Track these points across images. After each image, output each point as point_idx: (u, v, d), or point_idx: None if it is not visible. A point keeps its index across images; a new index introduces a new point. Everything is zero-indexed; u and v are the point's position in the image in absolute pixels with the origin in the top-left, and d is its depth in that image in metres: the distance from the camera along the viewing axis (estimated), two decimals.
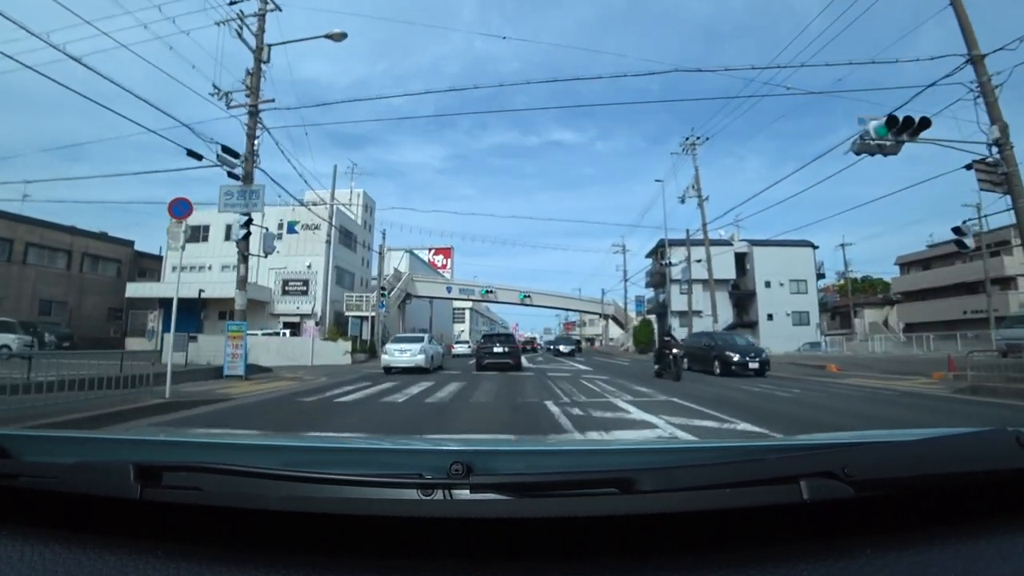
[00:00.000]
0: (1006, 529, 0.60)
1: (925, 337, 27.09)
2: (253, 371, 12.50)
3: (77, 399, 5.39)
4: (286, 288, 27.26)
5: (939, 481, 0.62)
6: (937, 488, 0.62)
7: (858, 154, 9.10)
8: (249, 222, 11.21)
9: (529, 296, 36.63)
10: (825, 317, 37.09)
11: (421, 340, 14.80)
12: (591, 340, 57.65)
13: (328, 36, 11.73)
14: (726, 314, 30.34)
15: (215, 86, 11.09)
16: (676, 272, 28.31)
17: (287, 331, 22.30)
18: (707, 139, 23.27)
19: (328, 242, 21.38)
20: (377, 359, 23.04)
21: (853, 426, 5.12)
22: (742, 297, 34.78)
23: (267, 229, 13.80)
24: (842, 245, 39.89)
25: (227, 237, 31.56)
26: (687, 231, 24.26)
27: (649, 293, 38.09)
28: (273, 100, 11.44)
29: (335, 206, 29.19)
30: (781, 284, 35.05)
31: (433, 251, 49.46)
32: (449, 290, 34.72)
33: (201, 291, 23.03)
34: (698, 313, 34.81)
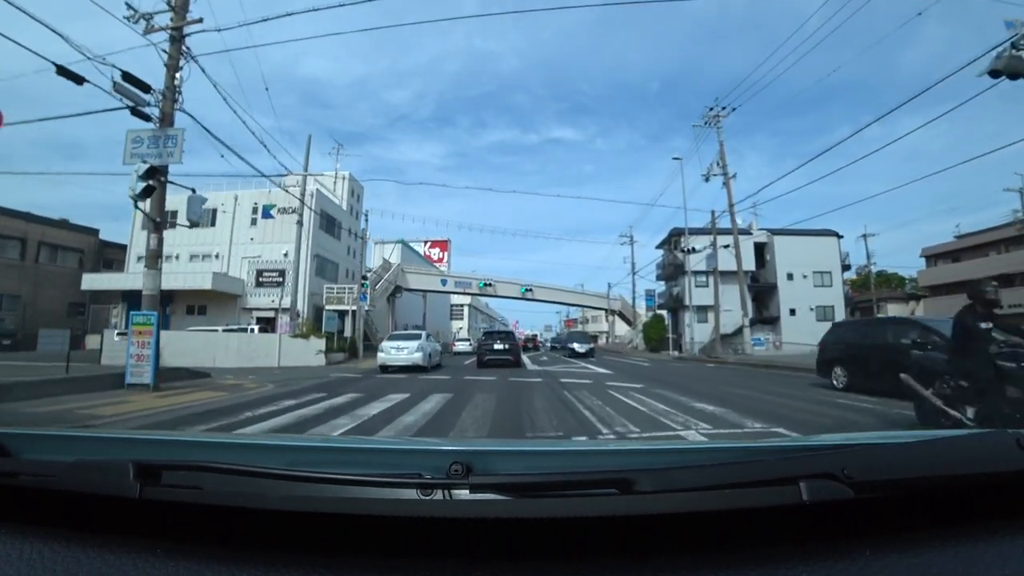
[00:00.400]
0: (1006, 531, 0.61)
1: None
2: (181, 376, 11.01)
3: None
4: (260, 279, 23.96)
5: (939, 483, 0.63)
6: (937, 490, 0.63)
7: (998, 75, 5.91)
8: (155, 173, 7.89)
9: (531, 289, 33.57)
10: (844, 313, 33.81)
11: (418, 338, 14.51)
12: (594, 337, 54.30)
13: None
14: (739, 309, 27.15)
15: (129, 5, 9.10)
16: (695, 261, 25.07)
17: (255, 327, 19.00)
18: (733, 110, 19.96)
19: (299, 223, 18.07)
20: (358, 359, 20.22)
21: None
22: (761, 291, 31.66)
23: (194, 191, 10.36)
24: (864, 236, 36.60)
25: (196, 224, 27.48)
26: (712, 213, 21.02)
27: (660, 287, 34.97)
28: (201, 20, 8.29)
29: (316, 188, 25.58)
30: (804, 276, 31.94)
31: (429, 244, 46.42)
32: (444, 283, 31.54)
33: (166, 284, 19.64)
34: (714, 308, 30.93)
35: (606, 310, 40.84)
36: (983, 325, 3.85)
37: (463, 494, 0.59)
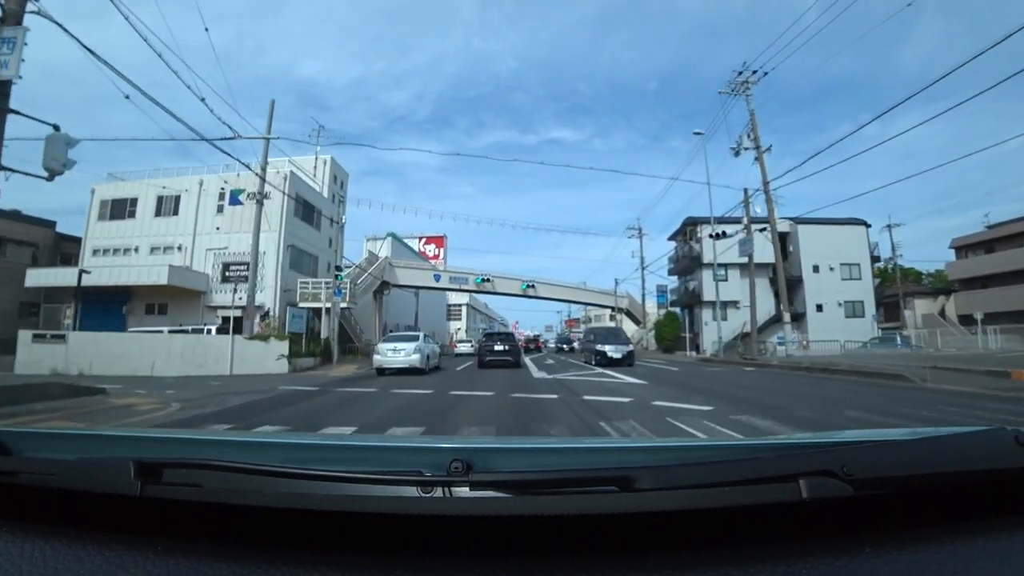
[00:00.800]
0: (1005, 528, 0.62)
1: (992, 330, 24.31)
2: (52, 395, 8.20)
3: None
4: (227, 273, 20.55)
5: (938, 480, 0.64)
6: (936, 487, 0.65)
7: None
8: None
9: (533, 286, 30.53)
10: None
11: (416, 339, 14.05)
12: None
13: None
14: (765, 305, 26.09)
15: None
16: (712, 252, 21.75)
17: (212, 328, 15.68)
18: (765, 74, 16.84)
19: (259, 201, 14.81)
20: (332, 364, 17.99)
21: None
22: (785, 284, 28.00)
23: (57, 128, 6.61)
24: (888, 226, 33.47)
25: (158, 212, 24.02)
26: (745, 192, 17.83)
27: (673, 282, 31.71)
28: None
29: (289, 170, 22.06)
30: (831, 268, 28.82)
31: (424, 240, 43.19)
32: (437, 278, 28.47)
33: (84, 273, 16.33)
34: (735, 304, 30.01)
35: (613, 308, 37.58)
36: None
37: (463, 491, 0.60)
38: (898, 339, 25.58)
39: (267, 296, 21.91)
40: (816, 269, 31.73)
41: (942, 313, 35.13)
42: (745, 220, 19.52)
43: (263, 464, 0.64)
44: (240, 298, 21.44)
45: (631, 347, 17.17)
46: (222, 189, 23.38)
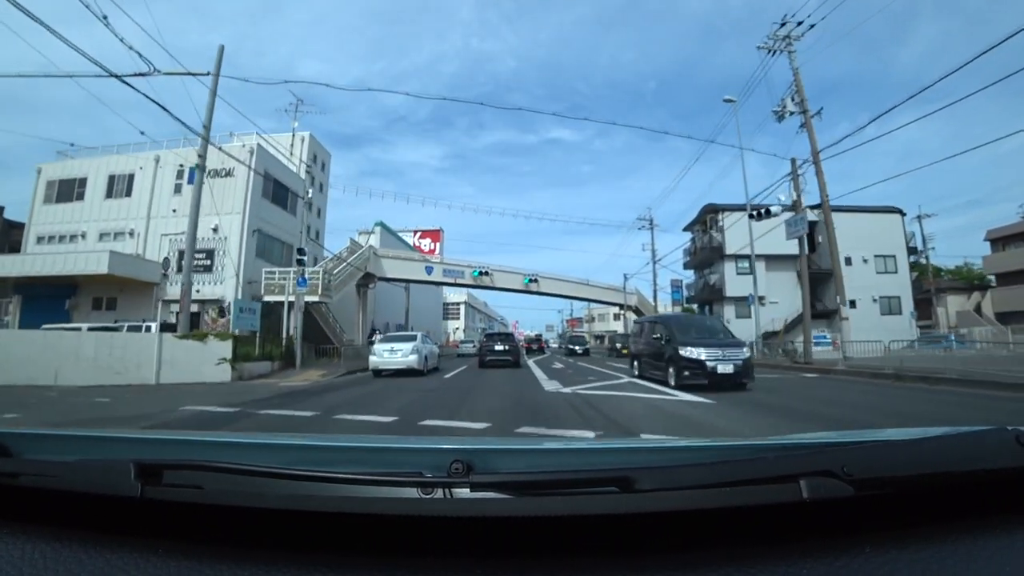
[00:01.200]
0: (1005, 527, 0.63)
1: None
2: None
3: None
4: (184, 263, 16.94)
5: (939, 480, 0.65)
6: (937, 487, 0.66)
7: None
8: None
9: (536, 280, 27.57)
10: None
11: (413, 339, 13.39)
12: (600, 339, 47.77)
13: None
14: (790, 301, 24.32)
15: None
16: (734, 243, 18.47)
17: (153, 325, 12.28)
18: (811, 27, 13.75)
19: (200, 166, 11.33)
20: (294, 369, 14.87)
21: None
22: (814, 278, 24.64)
23: None
24: (919, 217, 30.23)
25: (109, 193, 20.29)
26: (793, 162, 14.68)
27: (689, 276, 28.42)
28: None
29: (257, 143, 18.52)
30: (864, 261, 25.73)
31: (419, 234, 40.05)
32: (430, 271, 25.40)
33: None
34: (760, 299, 26.17)
35: (621, 305, 34.38)
36: None
37: (464, 493, 0.60)
38: (951, 338, 22.36)
39: (227, 288, 18.87)
40: (848, 262, 28.58)
41: (977, 310, 32.43)
42: (794, 194, 16.31)
43: (264, 465, 0.64)
44: (198, 291, 18.12)
45: (747, 352, 9.51)
46: (180, 166, 20.10)
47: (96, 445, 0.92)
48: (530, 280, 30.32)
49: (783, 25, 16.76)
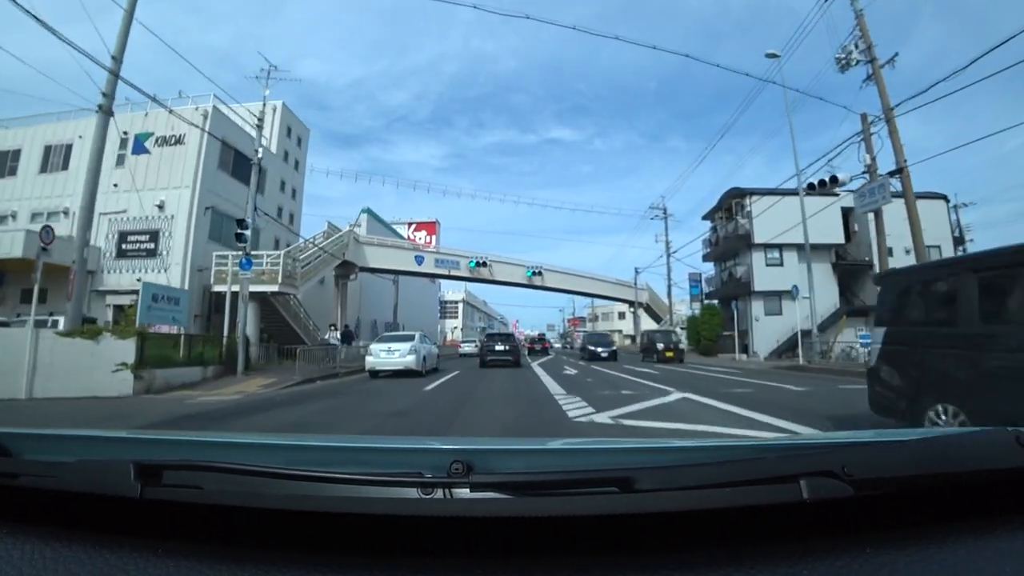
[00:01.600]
0: (1005, 528, 0.62)
1: None
2: None
3: None
4: (124, 246, 13.59)
5: (939, 480, 0.65)
6: (937, 487, 0.65)
7: None
8: None
9: (540, 273, 24.44)
10: None
11: (411, 339, 12.77)
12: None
13: None
14: (823, 296, 21.17)
15: None
16: (763, 231, 15.29)
17: (61, 320, 8.58)
18: None
19: (103, 108, 7.74)
20: (234, 376, 11.67)
21: None
22: (849, 271, 21.45)
23: None
24: (955, 206, 26.90)
25: (44, 166, 16.61)
26: (864, 117, 11.32)
27: (708, 270, 25.27)
28: None
29: (212, 105, 15.43)
30: (907, 251, 21.36)
31: (414, 226, 36.91)
32: (420, 260, 22.15)
33: None
34: (791, 294, 23.06)
35: (631, 302, 31.27)
36: None
37: (464, 493, 0.60)
38: None
39: (173, 275, 15.44)
40: (890, 253, 24.98)
41: None
42: (867, 159, 13.07)
43: (264, 466, 0.63)
44: (138, 279, 14.77)
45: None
46: (124, 133, 16.81)
47: (95, 445, 0.91)
48: (533, 273, 27.65)
49: None
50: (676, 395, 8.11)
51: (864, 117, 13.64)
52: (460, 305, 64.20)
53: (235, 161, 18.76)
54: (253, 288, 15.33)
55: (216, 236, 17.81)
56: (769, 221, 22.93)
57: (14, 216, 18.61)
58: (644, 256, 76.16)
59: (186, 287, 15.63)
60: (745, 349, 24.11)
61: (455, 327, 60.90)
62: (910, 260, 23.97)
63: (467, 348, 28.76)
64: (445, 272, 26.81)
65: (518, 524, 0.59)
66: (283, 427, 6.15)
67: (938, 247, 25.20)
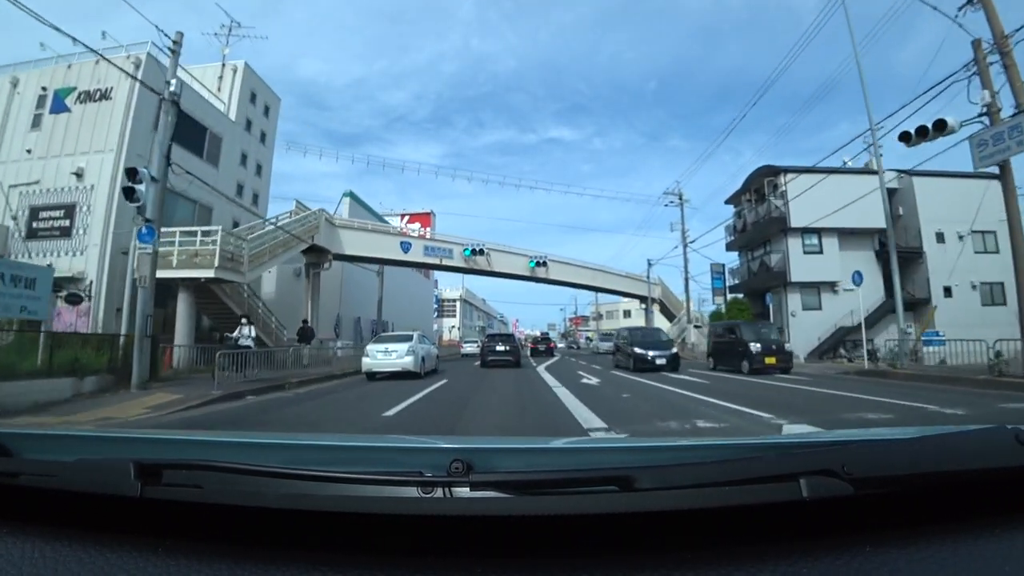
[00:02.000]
0: (1006, 527, 0.62)
1: None
2: None
3: None
4: (36, 224, 9.74)
5: (939, 479, 0.64)
6: (937, 486, 0.65)
7: None
8: None
9: (544, 263, 21.09)
10: None
11: (409, 339, 12.22)
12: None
13: None
14: (867, 287, 17.00)
15: None
16: (799, 212, 12.14)
17: None
18: None
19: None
20: (126, 389, 8.75)
21: None
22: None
23: None
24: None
25: None
26: (975, 47, 7.80)
27: (733, 260, 22.21)
28: None
29: (148, 52, 11.43)
30: (960, 237, 18.17)
31: (407, 218, 33.59)
32: (406, 247, 19.02)
33: None
34: (832, 286, 20.67)
35: (643, 298, 28.10)
36: None
37: (464, 492, 0.59)
38: None
39: (90, 259, 12.26)
40: (940, 238, 22.22)
41: None
42: (985, 95, 9.81)
43: (264, 465, 0.63)
44: (49, 265, 11.49)
45: None
46: (43, 90, 13.54)
47: (95, 445, 0.90)
48: (537, 263, 23.99)
49: None
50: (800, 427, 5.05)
51: (977, 44, 10.47)
52: (458, 303, 61.09)
53: (182, 125, 15.58)
54: (182, 273, 12.52)
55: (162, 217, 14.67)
56: (808, 202, 19.84)
57: None
58: (652, 252, 73.29)
59: (105, 273, 12.53)
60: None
61: (453, 326, 57.91)
62: (965, 248, 20.90)
63: (469, 348, 28.53)
64: (436, 261, 23.10)
65: (518, 523, 0.58)
66: None
67: (993, 232, 21.29)
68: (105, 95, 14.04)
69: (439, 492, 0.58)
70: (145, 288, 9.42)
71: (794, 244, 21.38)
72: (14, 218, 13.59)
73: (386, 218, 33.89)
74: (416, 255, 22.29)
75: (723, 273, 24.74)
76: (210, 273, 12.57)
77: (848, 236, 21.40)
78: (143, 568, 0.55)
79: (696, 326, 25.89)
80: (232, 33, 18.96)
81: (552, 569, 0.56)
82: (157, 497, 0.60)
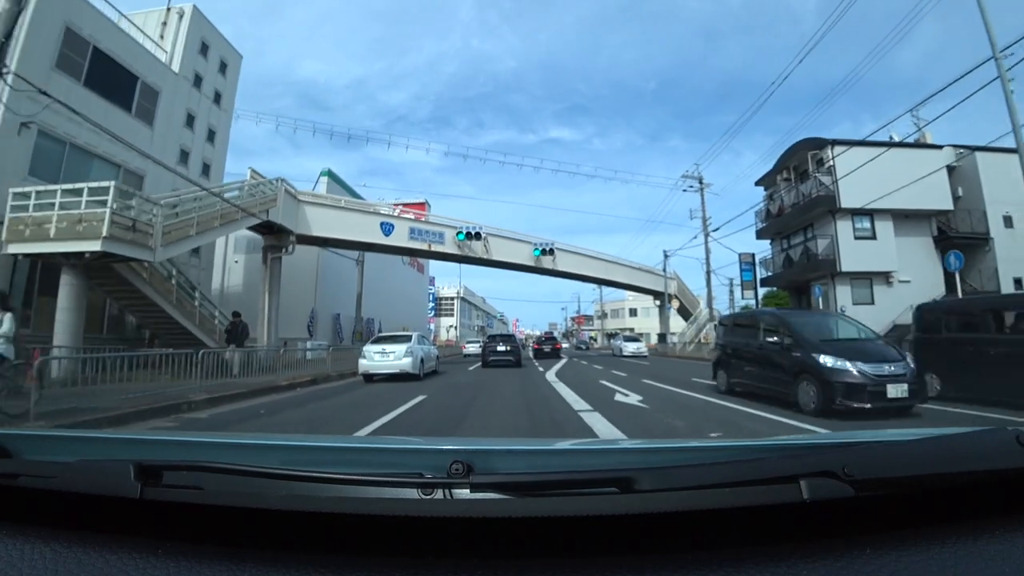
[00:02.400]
0: (1006, 528, 0.62)
1: None
2: None
3: None
4: None
5: (939, 480, 0.64)
6: (937, 487, 0.65)
7: None
8: None
9: (551, 251, 17.94)
10: None
11: (407, 340, 11.92)
12: (612, 336, 38.36)
13: None
14: (924, 278, 16.20)
15: None
16: (849, 191, 9.85)
17: None
18: None
19: None
20: None
21: None
22: (956, 246, 13.73)
23: None
24: None
25: None
26: None
27: (764, 248, 19.22)
28: None
29: None
30: None
31: (400, 208, 29.88)
32: (388, 230, 15.52)
33: None
34: (886, 276, 17.83)
35: (658, 293, 25.07)
36: None
37: (464, 493, 0.59)
38: None
39: None
40: (1008, 222, 19.11)
41: None
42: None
43: (264, 466, 0.63)
44: None
45: None
46: None
47: (96, 446, 0.89)
48: (542, 251, 20.43)
49: None
50: None
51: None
52: (456, 302, 58.06)
53: (95, 64, 11.94)
54: (61, 247, 8.72)
55: (44, 172, 10.79)
56: (854, 183, 16.82)
57: None
58: (658, 251, 70.05)
59: None
60: None
61: (451, 326, 55.00)
62: None
63: (472, 348, 28.33)
64: (424, 246, 19.03)
65: (518, 524, 0.59)
66: None
67: None
68: None
69: (439, 493, 0.58)
70: None
71: (844, 228, 18.28)
72: None
73: (378, 209, 30.84)
74: (400, 239, 18.41)
75: (753, 263, 21.52)
76: (95, 246, 8.70)
77: (902, 220, 18.45)
78: (143, 569, 0.54)
79: (720, 325, 22.64)
80: None
81: (553, 570, 0.56)
82: (157, 498, 0.60)
